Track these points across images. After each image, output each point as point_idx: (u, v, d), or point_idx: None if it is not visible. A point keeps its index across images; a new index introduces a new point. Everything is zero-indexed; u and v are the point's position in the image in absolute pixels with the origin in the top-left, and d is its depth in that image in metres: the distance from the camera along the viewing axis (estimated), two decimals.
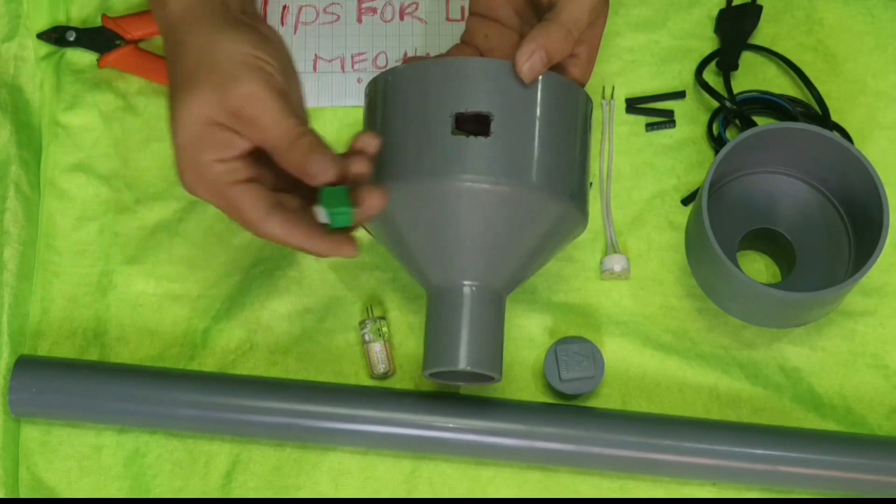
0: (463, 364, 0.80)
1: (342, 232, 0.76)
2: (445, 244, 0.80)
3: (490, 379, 0.82)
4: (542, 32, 0.78)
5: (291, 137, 0.73)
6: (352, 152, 0.76)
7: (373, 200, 0.75)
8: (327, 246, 0.75)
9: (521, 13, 0.85)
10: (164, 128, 0.96)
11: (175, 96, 0.75)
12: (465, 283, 0.81)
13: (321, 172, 0.73)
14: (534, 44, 0.77)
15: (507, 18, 0.85)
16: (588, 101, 0.82)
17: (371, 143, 0.76)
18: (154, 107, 0.96)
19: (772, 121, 0.95)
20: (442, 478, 0.88)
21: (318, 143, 0.74)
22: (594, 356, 0.88)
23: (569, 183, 0.80)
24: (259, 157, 0.75)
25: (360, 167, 0.75)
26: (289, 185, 0.77)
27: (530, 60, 0.77)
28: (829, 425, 0.89)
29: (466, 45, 0.86)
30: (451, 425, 0.86)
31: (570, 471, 0.88)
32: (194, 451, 0.89)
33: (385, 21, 0.99)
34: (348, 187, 0.75)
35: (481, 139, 0.76)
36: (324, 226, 0.75)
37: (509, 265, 0.81)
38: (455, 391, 0.89)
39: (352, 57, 0.98)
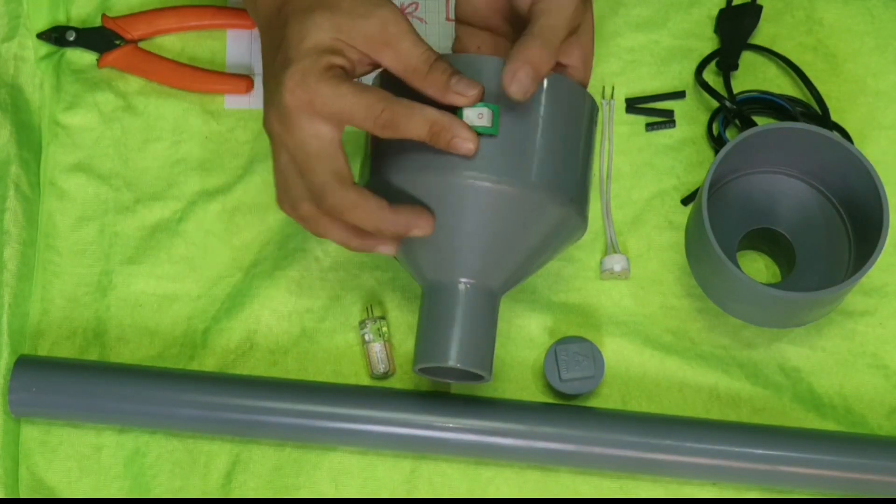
0: (453, 361, 0.80)
1: None
2: (443, 240, 0.80)
3: (480, 378, 0.82)
4: (521, 48, 0.76)
5: (431, 60, 0.75)
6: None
7: (421, 222, 0.77)
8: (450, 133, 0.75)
9: (512, 20, 0.84)
10: (164, 127, 0.96)
11: (302, 15, 0.75)
12: (461, 280, 0.81)
13: (468, 89, 0.75)
14: (516, 62, 0.76)
15: (498, 27, 0.84)
16: (594, 106, 0.82)
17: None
18: (154, 107, 0.96)
19: (772, 121, 0.95)
20: (442, 478, 0.88)
21: (453, 67, 0.76)
22: (594, 356, 0.88)
23: (570, 186, 0.79)
24: None
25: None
26: None
27: (516, 80, 0.75)
28: (829, 425, 0.89)
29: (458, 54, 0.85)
30: (451, 425, 0.86)
31: (570, 471, 0.88)
32: (194, 451, 0.89)
33: None
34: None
35: (485, 136, 0.76)
36: None
37: (506, 265, 0.81)
38: (453, 390, 0.89)
39: None
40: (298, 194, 0.77)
